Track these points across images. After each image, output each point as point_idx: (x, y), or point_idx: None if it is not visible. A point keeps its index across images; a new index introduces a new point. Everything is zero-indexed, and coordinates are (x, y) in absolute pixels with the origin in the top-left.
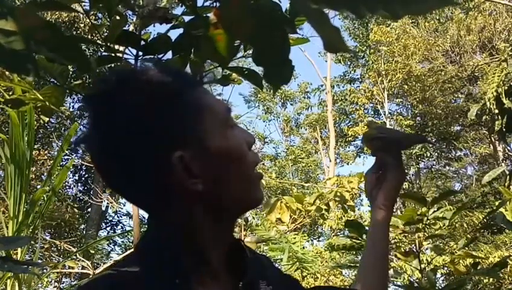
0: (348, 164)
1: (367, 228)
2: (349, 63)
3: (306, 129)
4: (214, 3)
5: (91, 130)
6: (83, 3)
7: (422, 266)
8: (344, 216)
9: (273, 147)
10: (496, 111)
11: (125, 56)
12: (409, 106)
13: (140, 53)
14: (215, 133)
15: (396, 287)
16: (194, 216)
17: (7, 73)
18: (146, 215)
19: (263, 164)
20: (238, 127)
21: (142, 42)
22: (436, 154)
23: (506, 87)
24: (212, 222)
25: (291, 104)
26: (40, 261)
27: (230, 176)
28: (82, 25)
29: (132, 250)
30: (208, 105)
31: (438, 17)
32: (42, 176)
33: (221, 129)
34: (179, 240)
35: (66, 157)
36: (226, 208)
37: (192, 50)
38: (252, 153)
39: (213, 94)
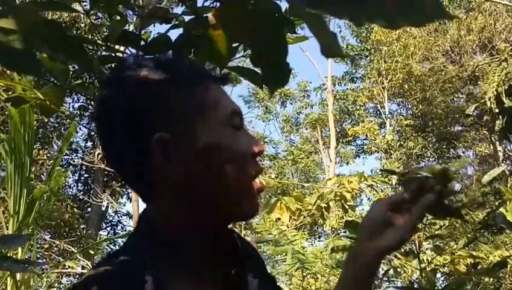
0: (347, 164)
1: None
2: (350, 62)
3: (307, 129)
4: (214, 3)
5: (95, 112)
6: (83, 3)
7: (422, 265)
8: (345, 216)
9: (273, 147)
10: (497, 111)
11: (125, 56)
12: (409, 106)
13: (141, 53)
14: (210, 128)
15: (396, 288)
16: (171, 205)
17: (8, 72)
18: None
19: (262, 164)
20: (244, 131)
21: (142, 42)
22: (436, 154)
23: (506, 87)
24: (189, 215)
25: (291, 104)
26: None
27: (215, 176)
28: (82, 25)
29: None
30: (209, 99)
31: None
32: (42, 176)
33: (219, 126)
34: (154, 229)
35: (66, 157)
36: (206, 207)
37: (192, 50)
38: (253, 163)
39: (225, 93)
